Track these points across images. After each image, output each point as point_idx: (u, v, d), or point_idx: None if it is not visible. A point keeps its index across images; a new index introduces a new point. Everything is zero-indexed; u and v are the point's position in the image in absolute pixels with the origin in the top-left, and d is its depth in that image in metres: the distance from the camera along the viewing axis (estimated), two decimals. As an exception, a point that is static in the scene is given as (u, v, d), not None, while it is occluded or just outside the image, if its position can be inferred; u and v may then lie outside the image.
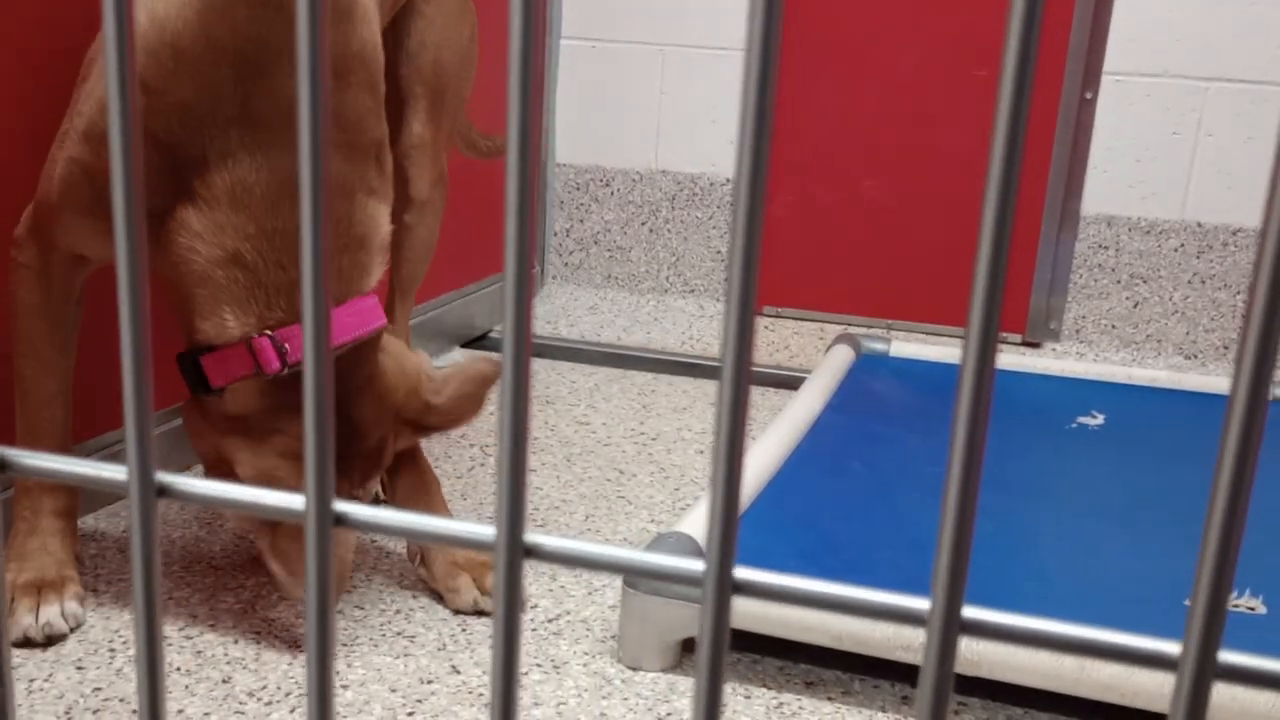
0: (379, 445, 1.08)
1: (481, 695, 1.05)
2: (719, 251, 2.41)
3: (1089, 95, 2.13)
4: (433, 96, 1.40)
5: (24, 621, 1.07)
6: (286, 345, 1.02)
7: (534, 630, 1.16)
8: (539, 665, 1.10)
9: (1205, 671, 0.27)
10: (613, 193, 2.44)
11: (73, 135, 1.04)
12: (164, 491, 0.34)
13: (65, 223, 1.06)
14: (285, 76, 0.97)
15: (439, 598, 1.21)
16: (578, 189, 2.45)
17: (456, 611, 1.19)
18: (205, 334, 1.03)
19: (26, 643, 1.07)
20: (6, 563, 1.12)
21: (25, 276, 1.11)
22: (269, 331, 1.01)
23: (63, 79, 1.26)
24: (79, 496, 1.16)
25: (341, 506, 0.32)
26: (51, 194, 1.06)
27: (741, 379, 0.28)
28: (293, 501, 0.33)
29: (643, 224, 2.44)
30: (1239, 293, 2.15)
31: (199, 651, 1.09)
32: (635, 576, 1.09)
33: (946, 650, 0.29)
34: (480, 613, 1.18)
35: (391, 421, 1.09)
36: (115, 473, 0.34)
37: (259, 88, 0.97)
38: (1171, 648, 0.28)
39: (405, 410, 1.10)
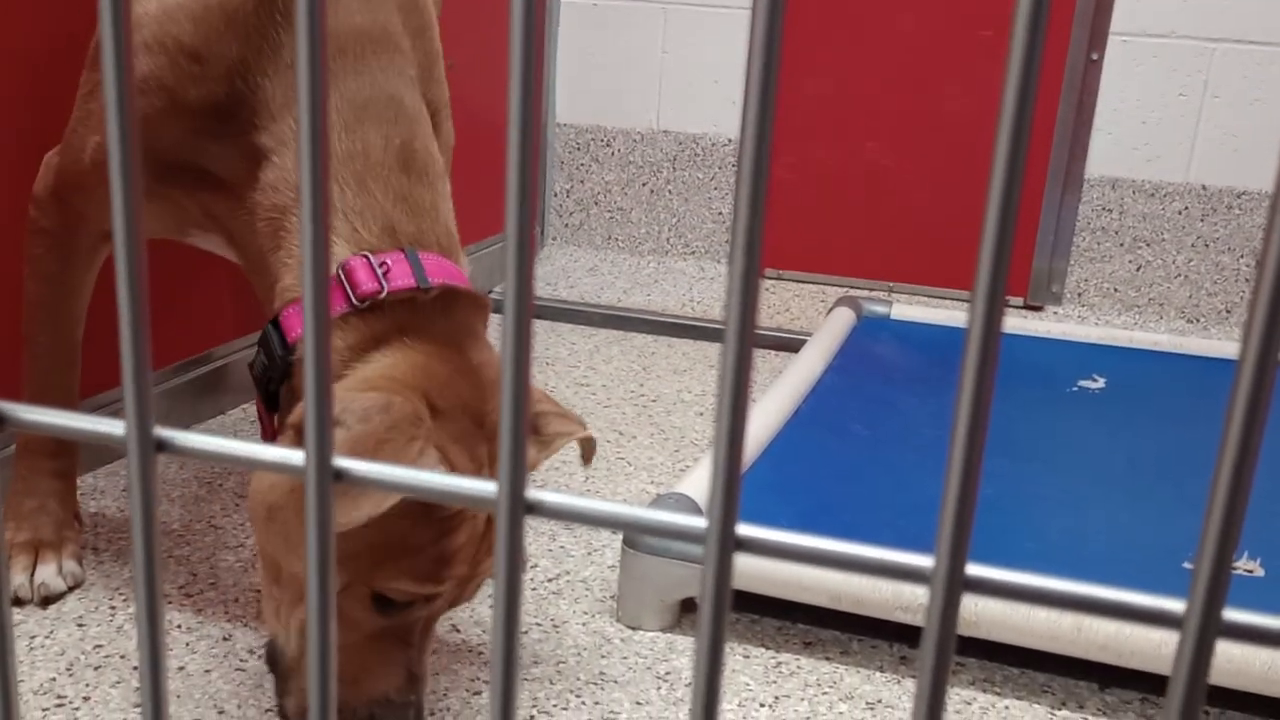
0: (494, 422, 0.87)
1: (481, 654, 1.05)
2: (720, 213, 2.39)
3: (1095, 56, 2.11)
4: None
5: (16, 580, 1.07)
6: (387, 264, 0.86)
7: (534, 589, 1.17)
8: (538, 624, 1.11)
9: (1209, 629, 0.27)
10: (613, 153, 2.43)
11: (99, 118, 1.00)
12: (162, 446, 0.33)
13: (100, 199, 1.02)
14: (338, 4, 0.93)
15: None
16: (578, 149, 2.44)
17: None
18: (288, 292, 0.90)
19: (18, 602, 1.08)
20: (4, 522, 1.12)
21: (45, 243, 1.07)
22: (365, 253, 0.87)
23: (71, 40, 1.24)
24: (77, 457, 1.16)
25: (341, 463, 0.32)
26: (83, 172, 1.02)
27: (745, 338, 0.28)
28: (292, 457, 0.32)
29: (643, 185, 2.42)
30: (1243, 256, 2.15)
31: (199, 609, 1.10)
32: (638, 534, 1.09)
33: (950, 607, 0.28)
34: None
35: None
36: (113, 427, 0.34)
37: None
38: (1176, 605, 0.28)
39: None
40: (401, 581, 0.82)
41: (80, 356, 1.13)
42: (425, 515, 0.81)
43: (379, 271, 0.85)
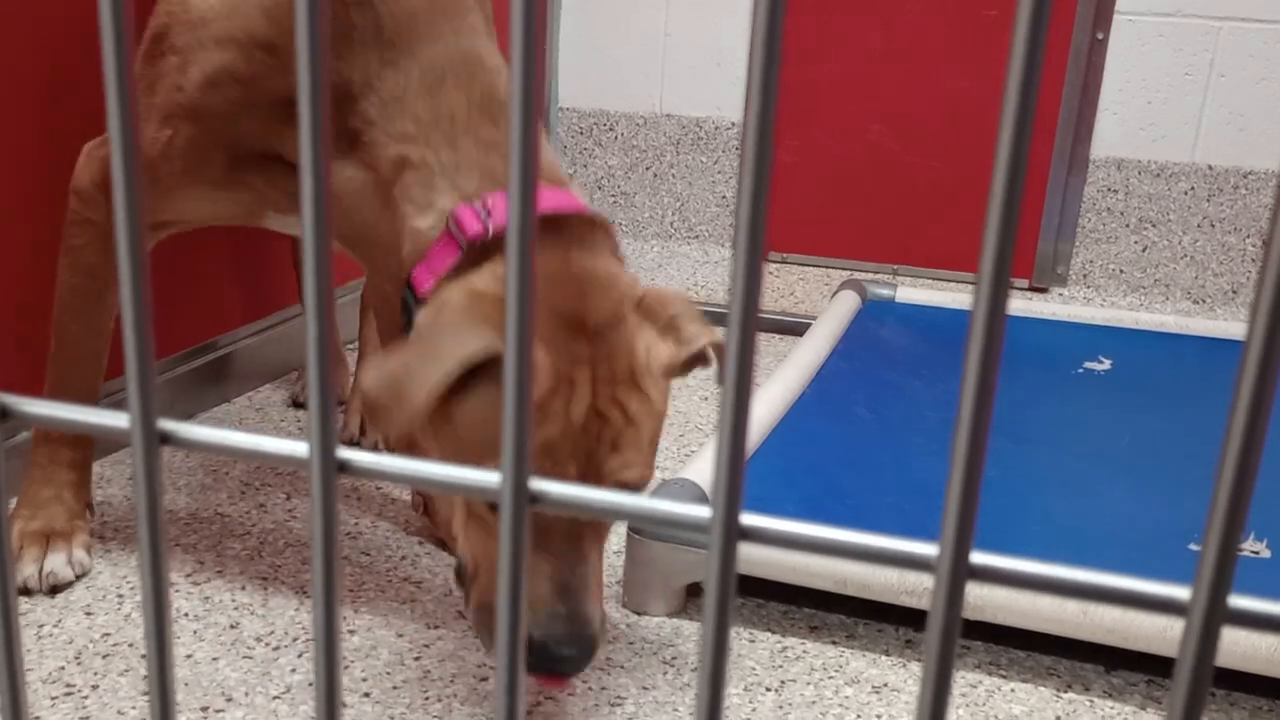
0: (624, 344, 0.85)
1: (488, 639, 1.06)
2: (724, 196, 2.39)
3: (1100, 35, 2.10)
4: None
5: (26, 571, 1.08)
6: (490, 205, 0.89)
7: (540, 575, 1.17)
8: (545, 610, 1.11)
9: (1215, 616, 0.27)
10: (616, 137, 2.42)
11: (156, 111, 1.00)
12: (167, 439, 0.33)
13: (167, 191, 1.03)
14: None
15: (445, 545, 1.21)
16: (581, 133, 2.43)
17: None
18: (409, 260, 0.93)
19: (26, 591, 1.08)
20: (18, 509, 1.12)
21: (89, 234, 1.07)
22: (467, 200, 0.91)
23: (86, 37, 1.24)
24: (93, 449, 1.16)
25: (345, 453, 0.32)
26: (149, 165, 1.01)
27: (749, 324, 0.28)
28: (296, 449, 0.32)
29: (647, 169, 2.42)
30: (1249, 236, 2.14)
31: (206, 597, 1.10)
32: (642, 523, 1.09)
33: (955, 595, 0.28)
34: None
35: (633, 320, 0.87)
36: (117, 420, 0.34)
37: None
38: (1181, 593, 0.27)
39: (652, 315, 0.88)
40: None
41: (109, 349, 1.13)
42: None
43: (482, 214, 0.89)
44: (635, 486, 0.86)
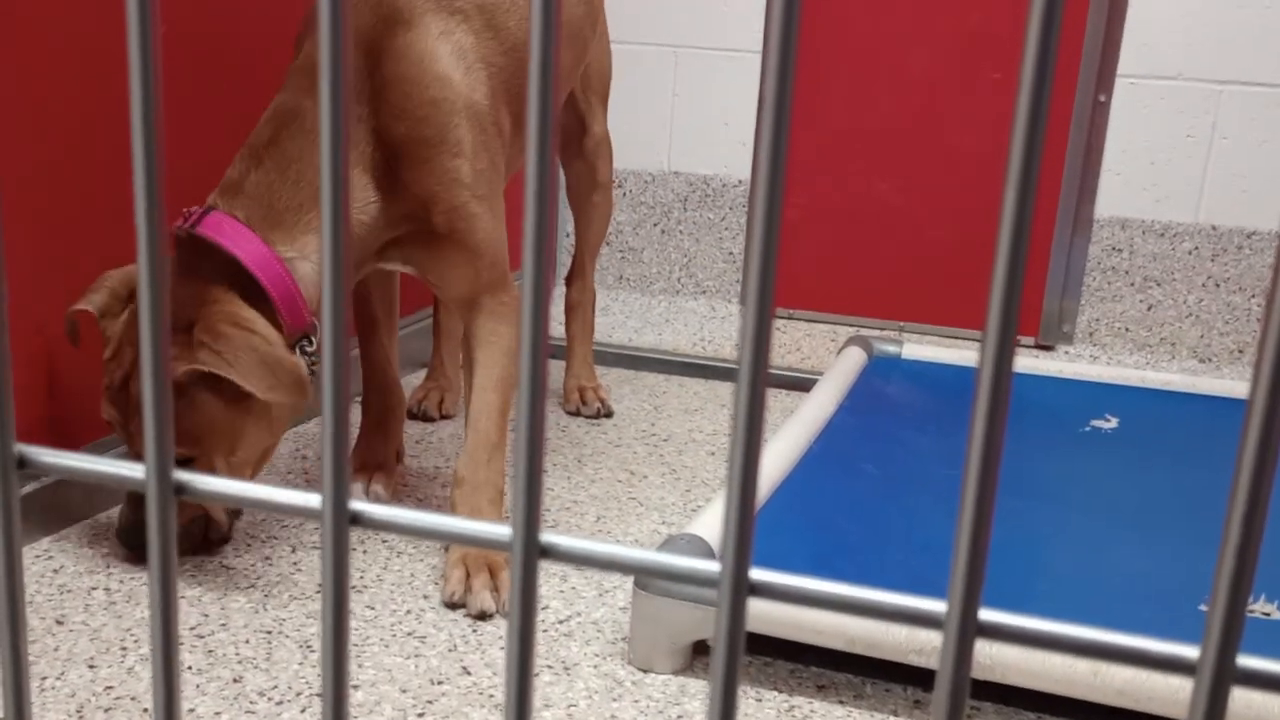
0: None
1: (492, 696, 1.05)
2: (731, 253, 2.40)
3: (1103, 98, 2.13)
4: (602, 100, 1.83)
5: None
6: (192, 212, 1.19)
7: (545, 631, 1.16)
8: (550, 666, 1.10)
9: (1224, 676, 0.27)
10: (625, 194, 2.44)
11: None
12: (181, 489, 0.34)
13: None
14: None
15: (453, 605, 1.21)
16: (590, 190, 2.45)
17: (444, 603, 1.20)
18: None
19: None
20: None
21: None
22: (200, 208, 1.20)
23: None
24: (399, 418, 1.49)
25: (357, 505, 0.32)
26: None
27: (759, 379, 0.28)
28: (309, 500, 0.33)
29: (655, 225, 2.44)
30: (1254, 295, 2.14)
31: (210, 650, 1.10)
32: (652, 577, 1.09)
33: (963, 652, 0.28)
34: (454, 605, 1.19)
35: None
36: (133, 471, 0.34)
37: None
38: (1190, 652, 0.28)
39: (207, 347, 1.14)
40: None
41: None
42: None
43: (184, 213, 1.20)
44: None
